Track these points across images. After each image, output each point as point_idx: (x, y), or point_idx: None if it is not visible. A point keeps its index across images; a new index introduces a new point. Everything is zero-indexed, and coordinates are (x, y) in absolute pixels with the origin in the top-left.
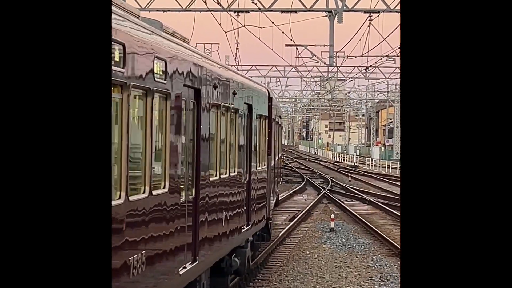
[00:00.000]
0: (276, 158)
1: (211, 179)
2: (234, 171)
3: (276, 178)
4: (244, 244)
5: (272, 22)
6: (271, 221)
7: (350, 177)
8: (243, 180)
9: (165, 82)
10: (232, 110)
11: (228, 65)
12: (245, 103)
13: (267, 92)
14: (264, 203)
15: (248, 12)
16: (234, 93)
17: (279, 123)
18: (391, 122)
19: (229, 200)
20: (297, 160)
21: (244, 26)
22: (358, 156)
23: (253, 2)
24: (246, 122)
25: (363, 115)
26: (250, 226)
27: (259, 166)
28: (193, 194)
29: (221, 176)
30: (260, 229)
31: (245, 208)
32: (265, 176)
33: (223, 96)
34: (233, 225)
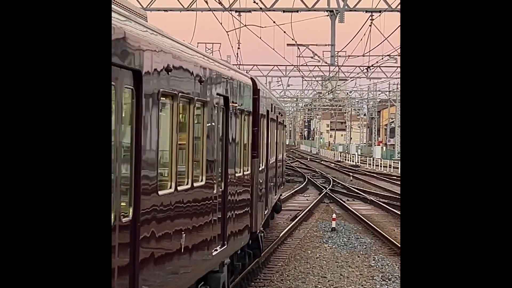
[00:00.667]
0: (272, 160)
1: (160, 192)
2: (201, 180)
3: (273, 183)
4: (219, 268)
5: (274, 22)
6: (262, 234)
7: (351, 177)
8: (215, 191)
9: None
10: (198, 103)
11: (233, 64)
12: (218, 94)
13: (251, 82)
14: (247, 215)
15: (250, 11)
16: (201, 81)
17: (278, 120)
18: (393, 121)
19: (193, 218)
20: (299, 160)
21: (245, 25)
22: (359, 156)
23: (254, 2)
24: (219, 118)
25: (365, 114)
26: (225, 246)
27: (239, 172)
28: (131, 216)
29: (179, 188)
30: (246, 246)
31: (218, 225)
32: (249, 183)
33: (182, 83)
34: (198, 249)
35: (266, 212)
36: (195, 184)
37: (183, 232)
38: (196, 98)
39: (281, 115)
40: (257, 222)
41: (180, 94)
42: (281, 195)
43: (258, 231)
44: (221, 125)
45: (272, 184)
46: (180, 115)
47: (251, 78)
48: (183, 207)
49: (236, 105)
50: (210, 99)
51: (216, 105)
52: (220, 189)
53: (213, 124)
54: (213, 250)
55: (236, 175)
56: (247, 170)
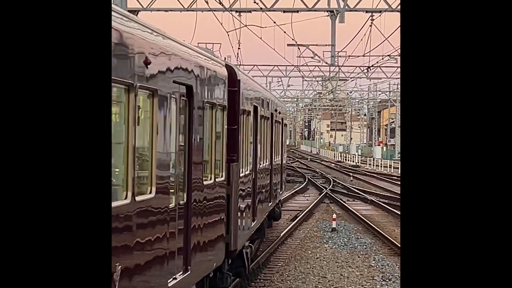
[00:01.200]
0: (264, 164)
1: None
2: (150, 192)
3: (266, 189)
4: None
5: (274, 22)
6: (249, 249)
7: (352, 177)
8: (172, 204)
9: None
10: (142, 91)
11: (237, 65)
12: (176, 82)
13: (225, 70)
14: (221, 231)
15: (250, 12)
16: (148, 63)
17: (274, 119)
18: (393, 121)
19: (137, 242)
20: (299, 160)
21: (246, 26)
22: (360, 156)
23: (254, 2)
24: (179, 112)
25: (365, 114)
26: (189, 271)
27: (209, 179)
28: None
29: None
30: (224, 266)
31: (178, 247)
32: (224, 192)
33: (115, 63)
34: (146, 281)
35: (253, 224)
36: (139, 198)
37: (117, 264)
38: (138, 84)
39: (279, 113)
40: (237, 238)
41: (111, 78)
42: (280, 200)
43: (239, 248)
44: (183, 121)
45: (264, 190)
46: (113, 106)
47: (228, 66)
48: (119, 230)
49: (203, 97)
50: (162, 87)
51: (174, 96)
52: (181, 202)
53: (168, 119)
54: (170, 279)
55: (205, 183)
56: (221, 176)
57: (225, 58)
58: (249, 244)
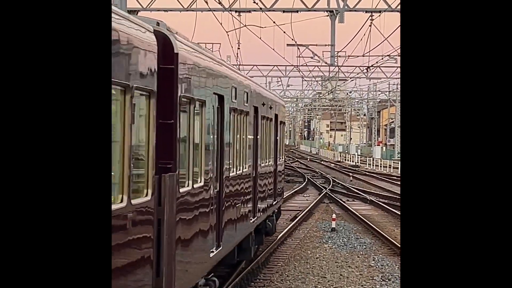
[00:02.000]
0: (241, 171)
1: None
2: None
3: (244, 204)
4: None
5: (274, 22)
6: (213, 283)
7: (351, 177)
8: None
9: None
10: None
11: (233, 65)
12: None
13: (153, 38)
14: (143, 274)
15: (250, 12)
16: None
17: (261, 114)
18: (393, 121)
19: None
20: (299, 160)
21: (245, 26)
22: (359, 156)
23: (254, 2)
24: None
25: (365, 114)
26: None
27: (120, 201)
28: None
29: None
30: None
31: None
32: (149, 217)
33: None
34: None
35: (216, 252)
36: None
37: None
38: None
39: (270, 108)
40: (172, 282)
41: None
42: (274, 212)
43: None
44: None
45: (242, 204)
46: None
47: (159, 33)
48: None
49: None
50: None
51: None
52: None
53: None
54: None
55: (119, 206)
56: (146, 195)
57: (217, 49)
58: (210, 279)
